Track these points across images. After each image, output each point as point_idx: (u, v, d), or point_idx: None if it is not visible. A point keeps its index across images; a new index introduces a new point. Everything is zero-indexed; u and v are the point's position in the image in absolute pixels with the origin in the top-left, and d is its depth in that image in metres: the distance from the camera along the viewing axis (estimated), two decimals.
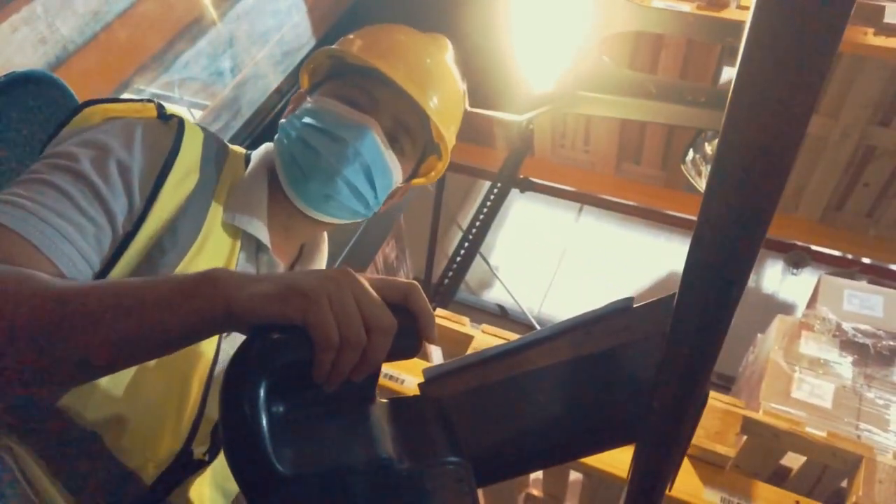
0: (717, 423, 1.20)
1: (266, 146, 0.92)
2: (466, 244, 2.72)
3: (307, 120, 0.85)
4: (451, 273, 2.63)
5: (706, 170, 2.07)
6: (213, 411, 0.80)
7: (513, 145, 2.92)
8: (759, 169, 0.36)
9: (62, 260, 0.65)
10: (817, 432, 1.21)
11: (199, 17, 1.81)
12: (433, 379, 0.64)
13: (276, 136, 0.89)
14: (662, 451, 0.60)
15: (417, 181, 1.01)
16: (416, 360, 1.31)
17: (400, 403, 0.60)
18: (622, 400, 0.64)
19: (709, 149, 2.05)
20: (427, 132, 0.92)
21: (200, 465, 0.80)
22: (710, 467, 1.20)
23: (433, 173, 1.01)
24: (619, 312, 0.60)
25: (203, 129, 0.84)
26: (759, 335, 2.09)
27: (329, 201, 0.85)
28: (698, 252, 0.42)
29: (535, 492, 1.55)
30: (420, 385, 0.64)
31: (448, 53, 0.96)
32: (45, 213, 0.65)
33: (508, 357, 0.63)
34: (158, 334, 0.54)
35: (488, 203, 2.84)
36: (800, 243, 2.79)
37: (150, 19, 1.64)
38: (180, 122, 0.80)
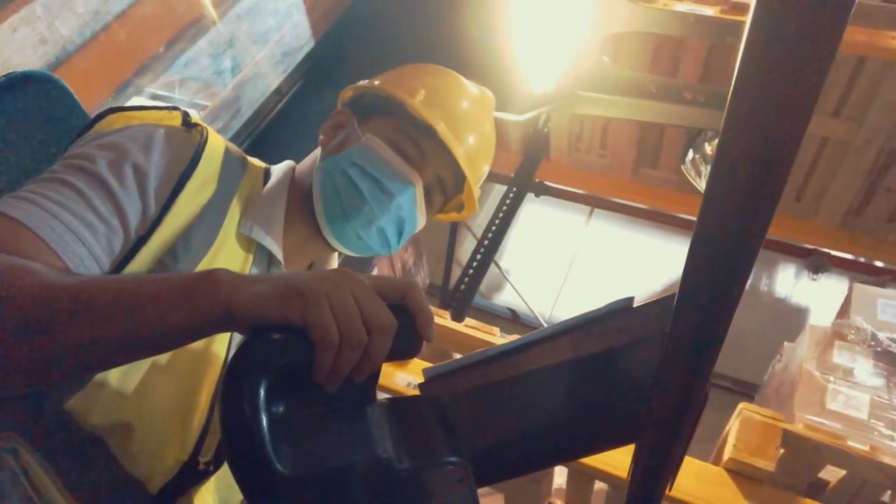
0: (757, 436, 1.18)
1: (288, 163, 0.93)
2: (482, 250, 2.66)
3: (358, 160, 0.86)
4: (466, 280, 2.60)
5: (706, 170, 2.07)
6: (216, 430, 0.79)
7: (528, 148, 2.89)
8: (759, 169, 0.36)
9: (70, 257, 0.66)
10: (860, 446, 1.18)
11: (199, 17, 1.81)
12: (433, 379, 0.64)
13: (319, 164, 0.89)
14: (662, 451, 0.60)
15: (447, 216, 1.05)
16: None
17: (400, 403, 0.60)
18: (622, 400, 0.64)
19: (709, 149, 2.05)
20: (458, 186, 0.95)
21: (205, 475, 0.80)
22: (750, 481, 1.17)
23: (454, 213, 1.04)
24: (620, 312, 0.60)
25: (226, 141, 0.85)
26: (785, 343, 2.07)
27: (359, 242, 0.88)
28: (698, 252, 0.42)
29: (559, 502, 1.53)
30: (420, 385, 0.64)
31: (493, 109, 0.98)
32: (58, 210, 0.66)
33: (508, 357, 0.63)
34: (157, 332, 0.54)
35: (504, 208, 2.79)
36: (819, 248, 2.76)
37: (150, 19, 1.64)
38: (204, 132, 0.81)
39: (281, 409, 0.51)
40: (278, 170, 0.91)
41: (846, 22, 0.30)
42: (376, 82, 0.92)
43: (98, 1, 1.51)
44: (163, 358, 0.74)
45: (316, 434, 0.52)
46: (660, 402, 0.55)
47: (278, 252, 0.83)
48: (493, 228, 2.74)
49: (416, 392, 0.65)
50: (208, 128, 0.82)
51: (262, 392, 0.48)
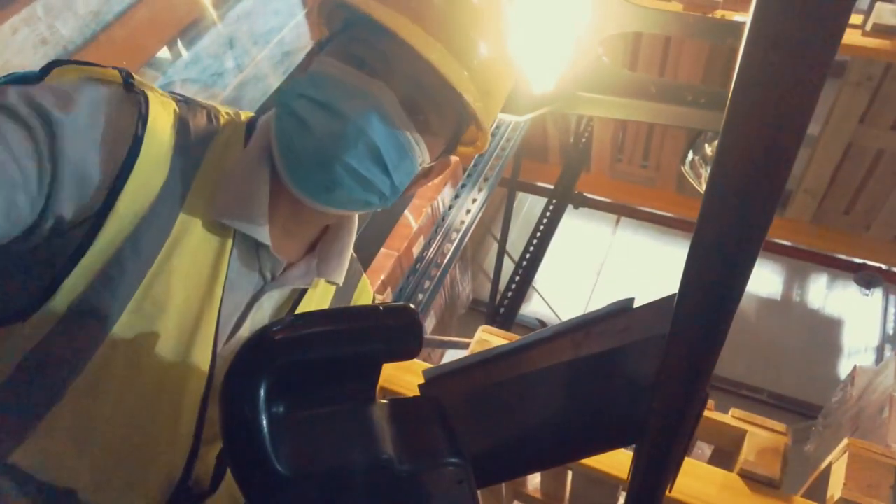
0: (868, 474, 1.10)
1: (272, 113, 0.73)
2: (525, 262, 2.60)
3: (303, 89, 0.67)
4: (507, 300, 2.55)
5: (706, 172, 2.07)
6: (211, 437, 0.71)
7: (568, 159, 2.84)
8: (759, 169, 0.36)
9: None
10: None
11: (199, 18, 1.81)
12: (433, 380, 0.64)
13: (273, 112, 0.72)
14: (663, 451, 0.60)
15: (463, 150, 0.80)
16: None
17: (400, 404, 0.60)
18: (622, 401, 0.64)
19: (709, 150, 2.05)
20: (460, 100, 0.69)
21: (202, 497, 0.73)
22: None
23: (479, 142, 0.79)
24: (620, 313, 0.60)
25: (180, 102, 0.69)
26: (857, 366, 2.03)
27: (332, 192, 0.68)
28: (699, 253, 0.42)
29: None
30: (420, 386, 0.64)
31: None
32: None
33: (509, 358, 0.63)
34: None
35: (544, 222, 2.73)
36: (871, 263, 2.74)
37: (151, 20, 1.64)
38: (145, 102, 0.64)
39: (281, 409, 0.51)
40: (260, 125, 0.73)
41: (846, 22, 0.30)
42: None
43: (98, 2, 1.51)
44: (122, 387, 0.64)
45: (316, 434, 0.52)
46: (660, 403, 0.55)
47: (264, 236, 0.69)
48: (534, 243, 2.69)
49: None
50: (150, 95, 0.65)
51: (262, 392, 0.49)
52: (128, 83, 0.65)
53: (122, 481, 0.66)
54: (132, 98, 0.64)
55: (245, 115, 0.75)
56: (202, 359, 0.69)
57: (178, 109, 0.68)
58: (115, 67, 0.66)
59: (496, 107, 0.76)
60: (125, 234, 0.61)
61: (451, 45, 0.67)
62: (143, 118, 0.63)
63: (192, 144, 0.67)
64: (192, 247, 0.66)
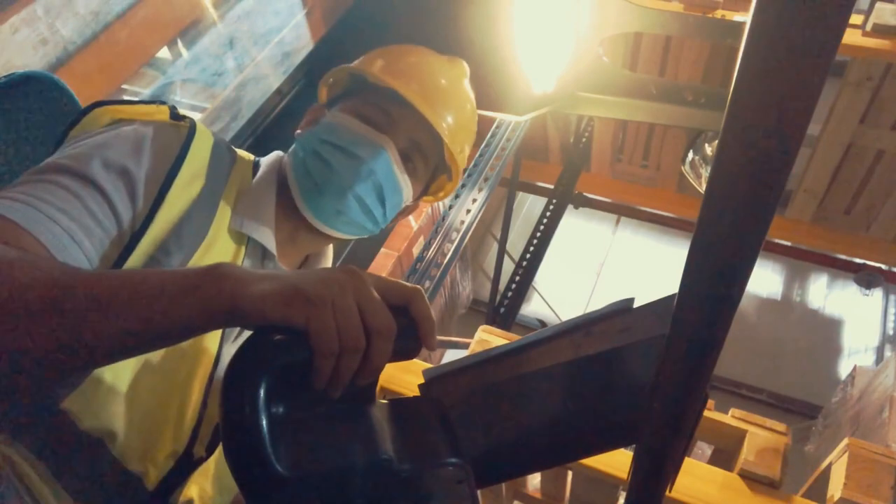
0: (868, 474, 1.10)
1: (276, 154, 0.93)
2: (521, 269, 2.63)
3: (324, 135, 0.87)
4: (507, 300, 2.56)
5: (706, 172, 2.07)
6: (214, 413, 0.80)
7: (568, 159, 2.85)
8: (759, 169, 0.36)
9: (68, 261, 0.66)
10: None
11: (199, 18, 1.81)
12: (433, 380, 0.64)
13: (291, 148, 0.91)
14: (663, 451, 0.60)
15: (427, 199, 1.04)
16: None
17: (400, 404, 0.60)
18: (622, 401, 0.64)
19: (709, 150, 2.05)
20: (439, 153, 0.94)
21: (199, 463, 0.80)
22: None
23: (441, 193, 1.03)
24: (620, 313, 0.60)
25: (214, 134, 0.85)
26: (857, 366, 2.04)
27: (339, 216, 0.87)
28: (698, 253, 0.42)
29: None
30: (420, 386, 0.64)
31: (465, 77, 0.98)
32: (55, 213, 0.66)
33: (509, 358, 0.63)
34: (162, 326, 0.53)
35: (544, 221, 2.74)
36: (871, 263, 2.75)
37: (151, 20, 1.64)
38: (192, 126, 0.81)
39: (281, 409, 0.51)
40: (266, 162, 0.91)
41: (846, 22, 0.30)
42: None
43: (99, 2, 1.51)
44: (154, 353, 0.73)
45: (316, 435, 0.52)
46: (660, 403, 0.55)
47: (271, 245, 0.83)
48: (534, 243, 2.69)
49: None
50: (196, 121, 0.82)
51: (262, 392, 0.49)
52: (175, 114, 0.82)
53: (141, 441, 0.74)
54: (180, 125, 0.81)
55: (247, 155, 0.93)
56: (210, 349, 0.78)
57: (214, 138, 0.84)
58: (161, 102, 0.84)
59: (464, 161, 0.99)
60: (171, 226, 0.73)
61: (434, 110, 0.89)
62: (190, 136, 0.79)
63: (221, 165, 0.83)
64: (219, 250, 0.79)
